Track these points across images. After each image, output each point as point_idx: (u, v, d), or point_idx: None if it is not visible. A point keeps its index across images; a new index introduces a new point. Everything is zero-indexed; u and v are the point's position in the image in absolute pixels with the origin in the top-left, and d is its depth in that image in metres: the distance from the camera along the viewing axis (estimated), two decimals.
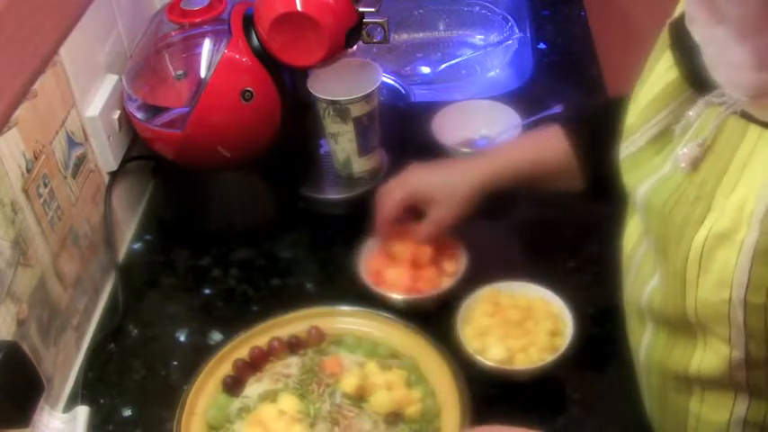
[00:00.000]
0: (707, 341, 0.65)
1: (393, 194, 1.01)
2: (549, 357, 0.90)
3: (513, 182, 0.99)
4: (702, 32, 0.62)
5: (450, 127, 1.23)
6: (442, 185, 1.00)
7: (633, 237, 0.75)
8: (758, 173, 0.58)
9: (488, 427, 0.78)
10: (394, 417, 0.86)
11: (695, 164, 0.63)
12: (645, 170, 0.70)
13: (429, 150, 1.21)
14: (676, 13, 0.70)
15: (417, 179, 1.01)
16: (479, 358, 0.91)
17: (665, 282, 0.67)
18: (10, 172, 0.87)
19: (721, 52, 0.60)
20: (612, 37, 1.56)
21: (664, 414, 0.76)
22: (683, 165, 0.64)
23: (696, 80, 0.64)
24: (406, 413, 0.86)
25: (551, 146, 0.97)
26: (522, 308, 0.95)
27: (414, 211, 1.02)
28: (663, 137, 0.69)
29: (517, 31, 1.56)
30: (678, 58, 0.67)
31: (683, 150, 0.64)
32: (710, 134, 0.62)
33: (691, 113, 0.65)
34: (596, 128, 0.91)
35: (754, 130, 0.59)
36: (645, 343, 0.74)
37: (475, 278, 1.00)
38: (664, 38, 0.70)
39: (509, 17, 1.60)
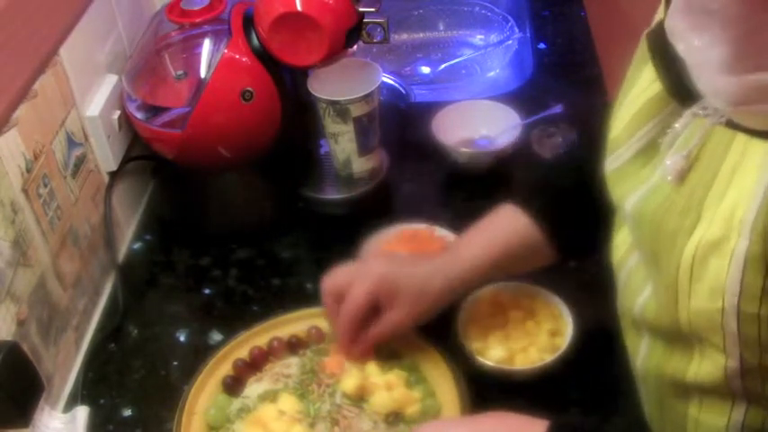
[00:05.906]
0: (703, 350, 0.65)
1: (359, 289, 0.85)
2: (549, 357, 0.90)
3: (487, 277, 0.92)
4: (685, 43, 0.61)
5: (450, 127, 1.23)
6: (409, 282, 0.86)
7: (621, 248, 0.75)
8: (747, 180, 0.57)
9: (494, 414, 0.77)
10: (394, 417, 0.86)
11: (681, 175, 0.63)
12: (632, 182, 0.69)
13: (429, 150, 1.21)
14: (653, 24, 0.69)
15: (381, 270, 0.87)
16: (479, 358, 0.91)
17: (657, 293, 0.67)
18: (10, 172, 0.87)
19: (703, 61, 0.60)
20: (612, 37, 1.56)
21: (663, 418, 0.75)
22: (669, 177, 0.64)
23: (680, 93, 0.64)
24: (406, 413, 0.86)
25: (518, 231, 0.89)
26: (523, 308, 0.95)
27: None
28: (649, 149, 0.68)
29: (517, 31, 1.56)
30: (661, 72, 0.66)
31: (668, 162, 0.64)
32: (696, 145, 0.62)
33: (677, 125, 0.64)
34: (557, 201, 0.90)
35: (740, 138, 0.59)
36: (642, 351, 0.74)
37: None
38: (642, 49, 0.70)
39: (509, 17, 1.60)
